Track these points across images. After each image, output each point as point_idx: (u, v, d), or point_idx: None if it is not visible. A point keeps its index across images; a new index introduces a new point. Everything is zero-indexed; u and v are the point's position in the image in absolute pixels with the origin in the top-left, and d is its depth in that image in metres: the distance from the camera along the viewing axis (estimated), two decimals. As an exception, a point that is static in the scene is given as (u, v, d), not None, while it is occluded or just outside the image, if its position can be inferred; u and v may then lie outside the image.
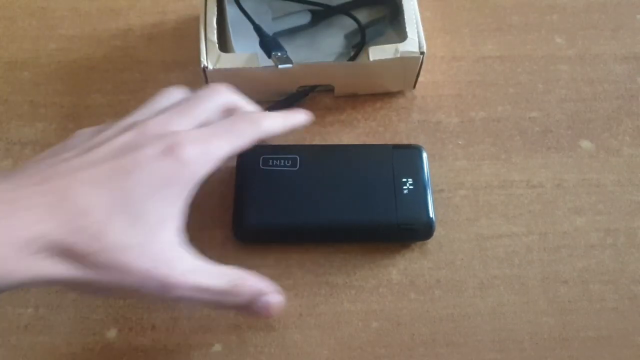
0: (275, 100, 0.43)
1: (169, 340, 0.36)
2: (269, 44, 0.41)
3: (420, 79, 0.44)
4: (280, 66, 0.40)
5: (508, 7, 0.49)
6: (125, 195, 0.28)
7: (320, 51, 0.45)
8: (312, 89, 0.44)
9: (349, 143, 0.43)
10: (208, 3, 0.42)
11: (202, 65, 0.40)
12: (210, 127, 0.31)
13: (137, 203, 0.28)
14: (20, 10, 0.48)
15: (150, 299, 0.32)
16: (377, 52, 0.41)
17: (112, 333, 0.36)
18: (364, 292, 0.38)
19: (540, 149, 0.43)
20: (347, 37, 0.45)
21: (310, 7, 0.46)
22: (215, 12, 0.42)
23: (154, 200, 0.28)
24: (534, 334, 0.37)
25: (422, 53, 0.41)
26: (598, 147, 0.43)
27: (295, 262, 0.39)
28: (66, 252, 0.26)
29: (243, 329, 0.37)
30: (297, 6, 0.46)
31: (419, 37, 0.41)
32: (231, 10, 0.43)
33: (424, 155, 0.40)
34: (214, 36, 0.41)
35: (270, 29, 0.44)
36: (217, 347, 0.36)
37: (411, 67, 0.42)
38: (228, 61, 0.40)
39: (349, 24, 0.45)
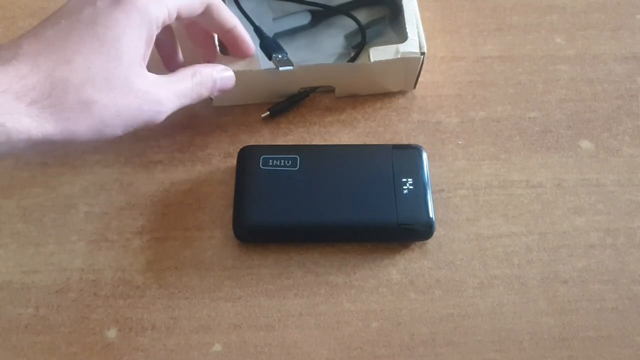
0: (276, 101, 0.43)
1: (169, 340, 0.36)
2: (269, 46, 0.41)
3: (420, 79, 0.44)
4: (281, 68, 0.40)
5: (508, 7, 0.49)
6: (100, 42, 0.32)
7: (320, 52, 0.45)
8: (313, 90, 0.44)
9: (349, 143, 0.43)
10: None
11: None
12: None
13: (112, 47, 0.32)
14: (20, 10, 0.48)
15: (149, 125, 0.34)
16: (378, 53, 0.41)
17: (112, 333, 0.36)
18: (364, 292, 0.38)
19: (540, 149, 0.43)
20: (347, 37, 0.45)
21: (310, 7, 0.46)
22: None
23: (124, 44, 0.32)
24: (533, 333, 0.37)
25: (422, 53, 0.41)
26: (598, 147, 0.43)
27: (295, 262, 0.39)
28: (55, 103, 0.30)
29: (243, 328, 0.37)
30: (297, 6, 0.46)
31: (419, 37, 0.41)
32: (231, 11, 0.43)
33: (424, 155, 0.40)
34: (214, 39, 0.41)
35: (270, 29, 0.44)
36: (217, 347, 0.36)
37: (412, 67, 0.42)
38: (228, 64, 0.40)
39: (349, 25, 0.45)
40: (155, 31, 0.34)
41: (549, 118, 0.44)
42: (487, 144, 0.43)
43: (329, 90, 0.44)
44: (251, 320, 0.37)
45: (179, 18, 0.35)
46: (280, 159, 0.40)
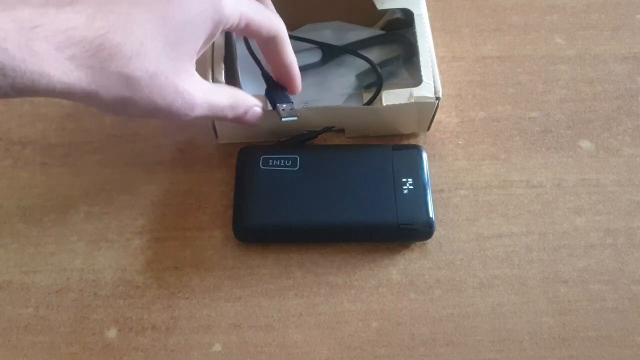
0: (283, 139, 0.42)
1: (169, 340, 0.36)
2: (275, 95, 0.39)
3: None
4: (284, 119, 0.38)
5: (508, 7, 0.49)
6: (165, 21, 0.30)
7: (330, 91, 0.43)
8: (322, 131, 0.42)
9: (349, 143, 0.43)
10: (216, 41, 0.39)
11: None
12: None
13: (174, 30, 0.30)
14: (20, 10, 0.48)
15: (170, 119, 0.35)
16: (390, 97, 0.39)
17: (112, 333, 0.36)
18: (364, 292, 0.38)
19: (540, 149, 0.43)
20: (359, 77, 0.43)
21: (321, 45, 0.44)
22: (224, 51, 0.40)
23: (187, 32, 0.31)
24: (533, 333, 0.37)
25: (437, 98, 0.39)
26: (598, 147, 0.43)
27: (295, 262, 0.39)
28: (102, 63, 0.29)
29: (243, 328, 0.37)
30: (308, 43, 0.44)
31: (434, 81, 0.39)
32: (241, 47, 0.42)
33: (424, 155, 0.40)
34: (221, 76, 0.39)
35: None
36: (217, 347, 0.36)
37: (425, 112, 0.40)
38: None
39: (360, 64, 0.43)
40: (218, 32, 0.33)
41: (549, 118, 0.44)
42: (487, 144, 0.43)
43: (339, 130, 0.42)
44: (251, 320, 0.37)
45: (245, 31, 0.34)
46: (280, 159, 0.40)
